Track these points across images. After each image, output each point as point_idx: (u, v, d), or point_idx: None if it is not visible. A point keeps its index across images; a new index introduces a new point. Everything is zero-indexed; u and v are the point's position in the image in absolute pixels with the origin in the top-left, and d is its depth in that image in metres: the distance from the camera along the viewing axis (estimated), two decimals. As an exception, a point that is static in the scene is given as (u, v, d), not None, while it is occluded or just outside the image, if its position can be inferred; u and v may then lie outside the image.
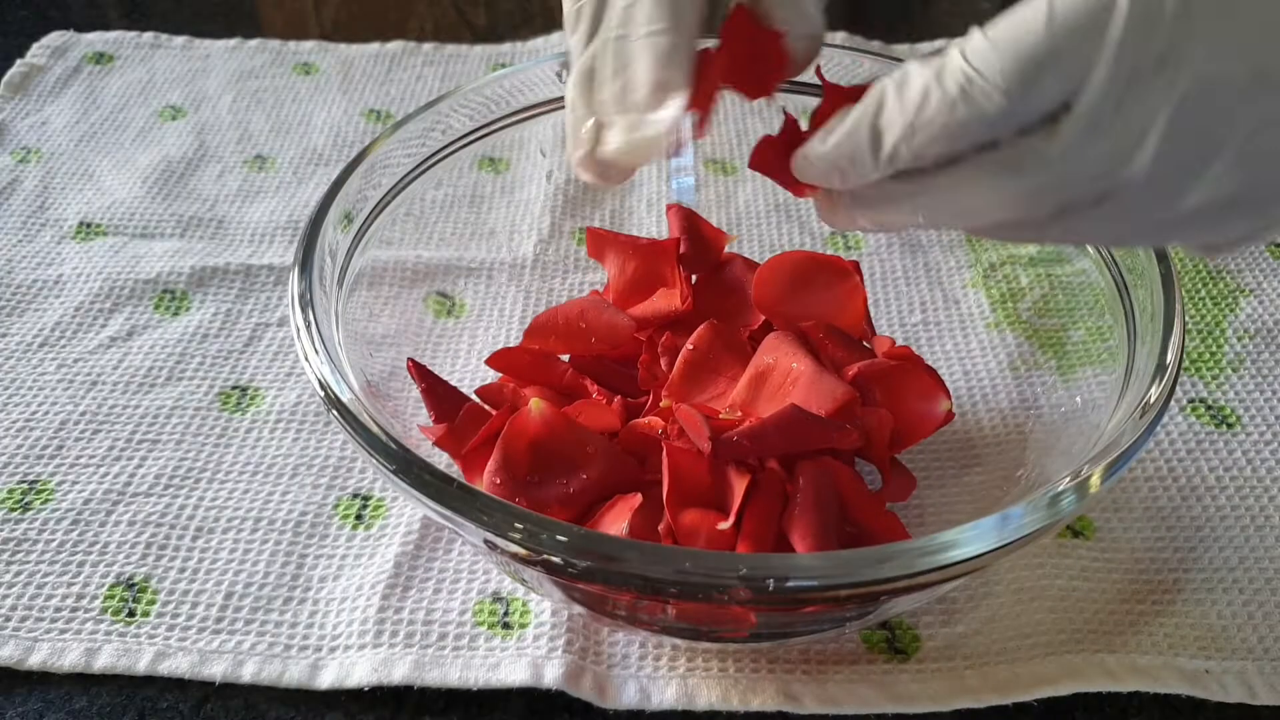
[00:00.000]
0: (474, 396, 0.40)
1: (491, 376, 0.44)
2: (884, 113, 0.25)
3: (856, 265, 0.41)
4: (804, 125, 0.30)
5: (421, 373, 0.39)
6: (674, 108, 0.29)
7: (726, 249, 0.44)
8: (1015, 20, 0.23)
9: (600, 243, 0.44)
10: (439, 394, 0.39)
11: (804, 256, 0.42)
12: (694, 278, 0.43)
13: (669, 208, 0.46)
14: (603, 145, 0.30)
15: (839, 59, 0.44)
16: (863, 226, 0.29)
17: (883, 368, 0.38)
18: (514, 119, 0.45)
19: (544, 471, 0.36)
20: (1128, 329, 0.36)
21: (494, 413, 0.38)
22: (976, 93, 0.24)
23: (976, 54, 0.24)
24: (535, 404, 0.36)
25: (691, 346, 0.39)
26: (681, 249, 0.42)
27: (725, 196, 0.55)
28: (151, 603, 0.38)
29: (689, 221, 0.44)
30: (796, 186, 0.30)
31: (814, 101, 0.31)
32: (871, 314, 0.44)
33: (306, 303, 0.34)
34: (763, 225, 0.54)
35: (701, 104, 0.31)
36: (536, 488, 0.35)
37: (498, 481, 0.35)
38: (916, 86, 0.25)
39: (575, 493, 0.36)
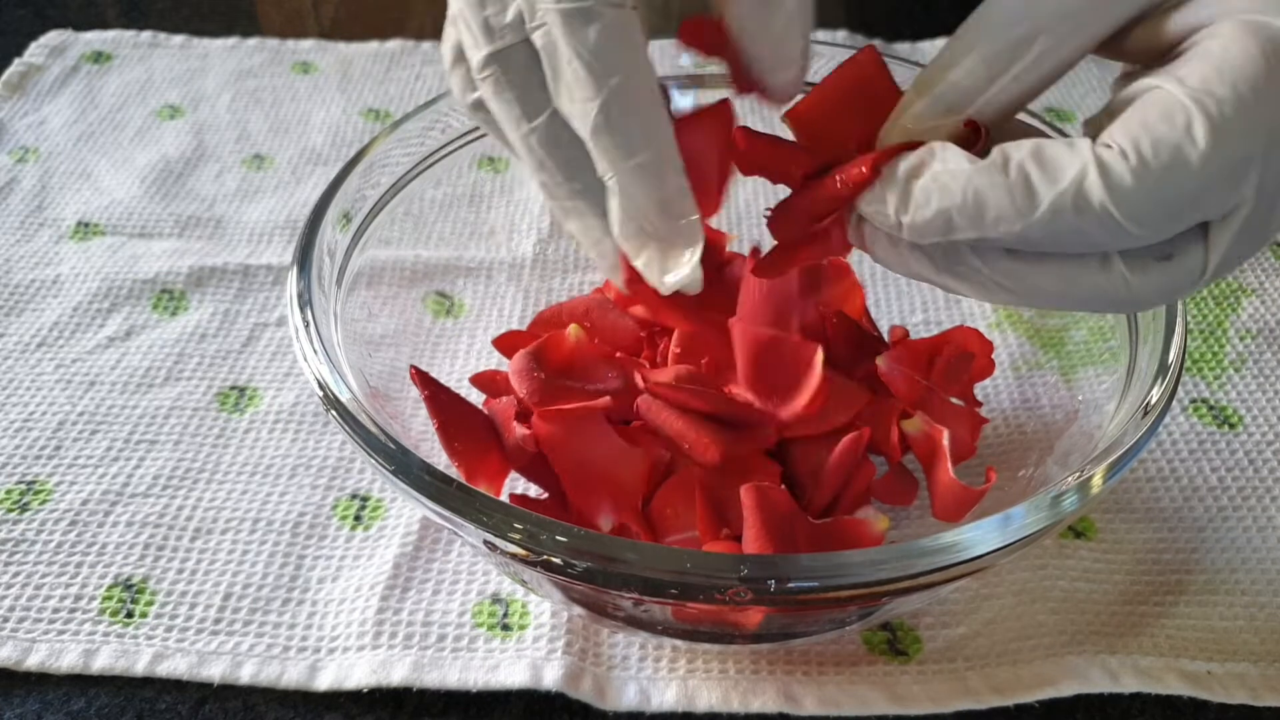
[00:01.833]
0: (470, 385, 0.40)
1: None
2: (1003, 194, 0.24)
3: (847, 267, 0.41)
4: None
5: (424, 380, 0.39)
6: (691, 219, 0.29)
7: (727, 249, 0.44)
8: (1162, 145, 0.22)
9: None
10: (442, 401, 0.39)
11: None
12: None
13: None
14: (656, 282, 0.30)
15: (839, 58, 0.44)
16: (885, 263, 0.28)
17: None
18: (513, 118, 0.45)
19: (568, 379, 0.37)
20: (1129, 329, 0.36)
21: (496, 419, 0.38)
22: (1111, 225, 0.23)
23: (1118, 192, 0.23)
24: (574, 329, 0.38)
25: (678, 349, 0.39)
26: None
27: (725, 196, 0.55)
28: (150, 604, 0.38)
29: None
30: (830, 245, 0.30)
31: None
32: (872, 314, 0.44)
33: (305, 302, 0.34)
34: (763, 225, 0.53)
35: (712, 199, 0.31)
36: (559, 389, 0.36)
37: (529, 369, 0.36)
38: (1044, 198, 0.23)
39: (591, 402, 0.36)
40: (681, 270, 0.29)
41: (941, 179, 0.25)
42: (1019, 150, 0.24)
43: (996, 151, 0.24)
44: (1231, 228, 0.23)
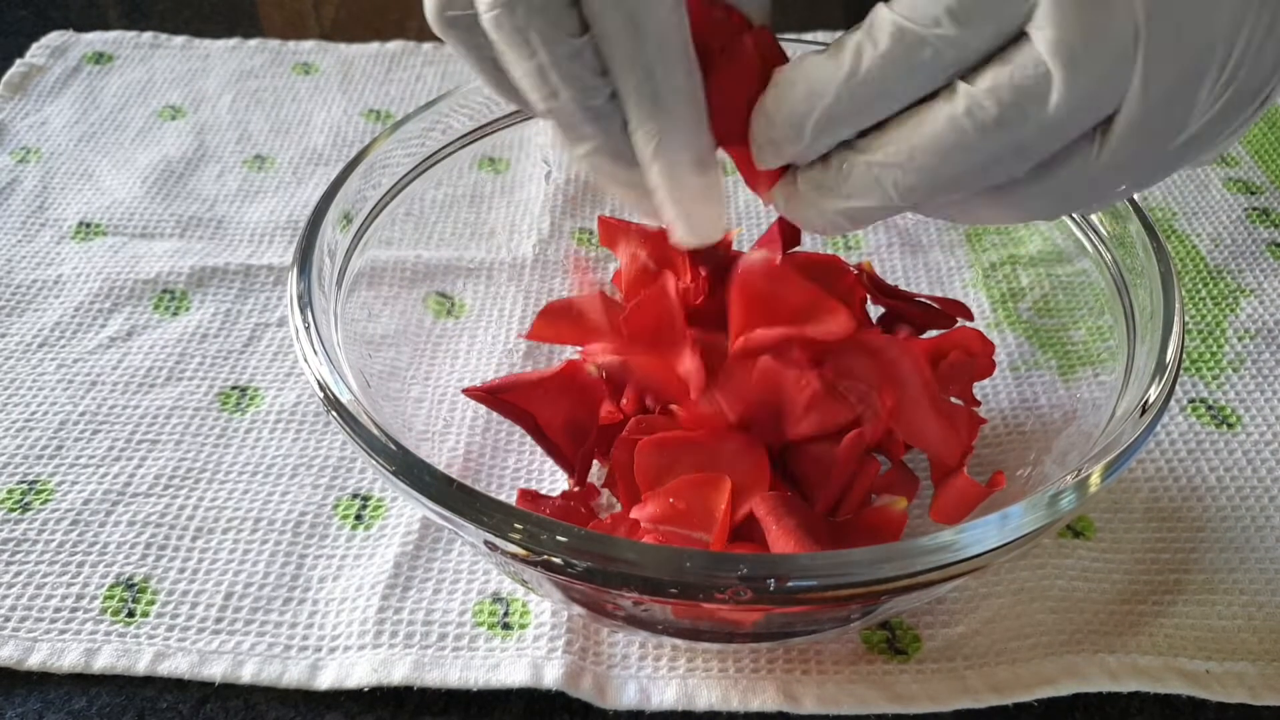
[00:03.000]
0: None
1: (489, 379, 0.44)
2: (817, 72, 0.25)
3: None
4: None
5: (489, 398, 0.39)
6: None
7: (734, 245, 0.45)
8: None
9: (612, 232, 0.44)
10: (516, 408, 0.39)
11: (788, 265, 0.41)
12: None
13: None
14: (673, 235, 0.29)
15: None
16: (832, 219, 0.28)
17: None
18: (514, 119, 0.45)
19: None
20: (1127, 328, 0.36)
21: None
22: (910, 37, 0.23)
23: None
24: (592, 368, 0.38)
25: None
26: None
27: (725, 197, 0.55)
28: (151, 603, 0.38)
29: None
30: (755, 177, 0.29)
31: None
32: (872, 314, 0.44)
33: (305, 303, 0.34)
34: (763, 225, 0.54)
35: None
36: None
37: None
38: (848, 46, 0.24)
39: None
40: (707, 228, 0.29)
41: (787, 75, 0.26)
42: (859, 29, 0.24)
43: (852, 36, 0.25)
44: (1041, 19, 0.22)
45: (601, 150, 0.28)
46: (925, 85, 0.24)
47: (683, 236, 0.29)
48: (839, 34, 0.25)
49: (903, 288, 0.45)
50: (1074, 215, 0.41)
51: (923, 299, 0.42)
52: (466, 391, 0.39)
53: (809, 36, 0.65)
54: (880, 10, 0.24)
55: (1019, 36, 0.23)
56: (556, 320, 0.42)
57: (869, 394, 0.36)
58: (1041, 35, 0.22)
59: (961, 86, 0.24)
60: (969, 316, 0.42)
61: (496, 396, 0.38)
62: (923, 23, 0.23)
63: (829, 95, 0.25)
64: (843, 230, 0.28)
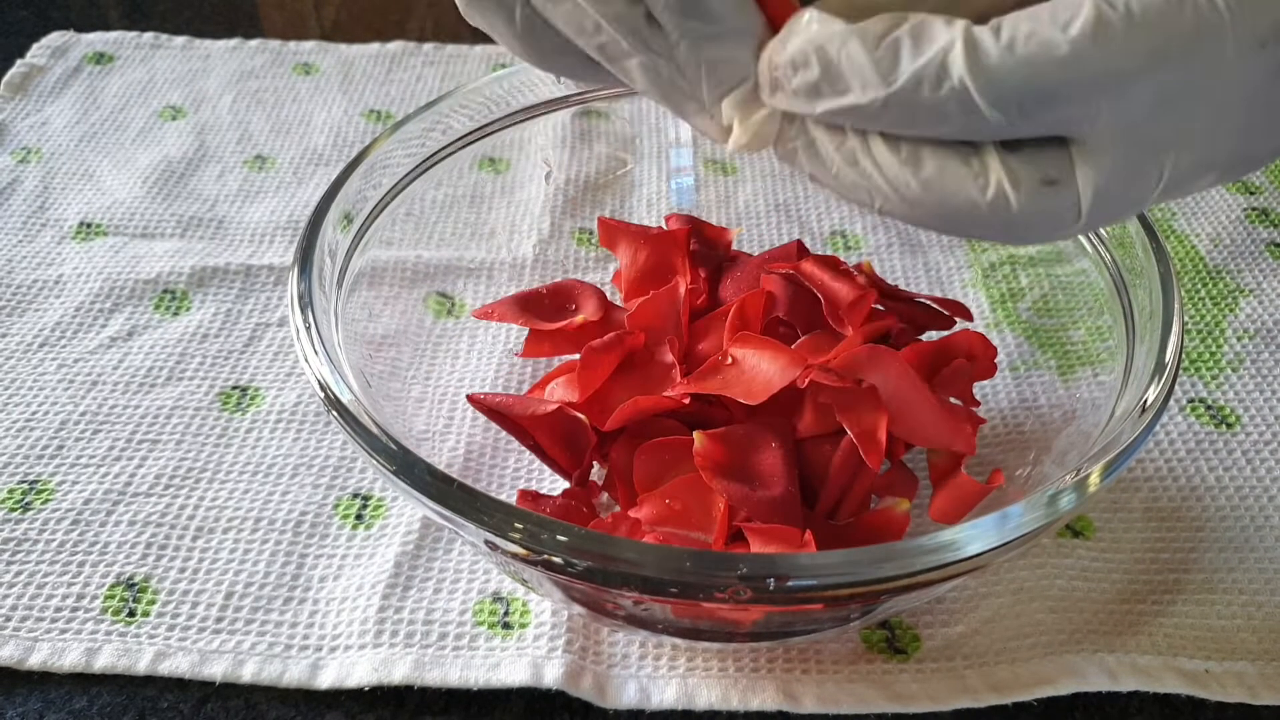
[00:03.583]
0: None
1: (489, 379, 0.45)
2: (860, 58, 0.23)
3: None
4: None
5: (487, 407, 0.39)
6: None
7: (734, 244, 0.45)
8: (1038, 29, 0.22)
9: (612, 232, 0.44)
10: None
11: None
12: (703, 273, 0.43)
13: (668, 218, 0.46)
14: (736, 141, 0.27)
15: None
16: (812, 171, 0.26)
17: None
18: (514, 119, 0.45)
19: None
20: (1127, 328, 0.36)
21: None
22: (966, 103, 0.22)
23: (978, 68, 0.22)
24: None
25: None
26: (692, 245, 0.43)
27: (725, 196, 0.55)
28: (152, 603, 0.38)
29: (691, 226, 0.44)
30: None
31: None
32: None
33: (306, 303, 0.34)
34: (763, 225, 0.54)
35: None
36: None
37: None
38: (907, 67, 0.22)
39: None
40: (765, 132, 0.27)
41: (816, 36, 0.24)
42: (903, 22, 0.23)
43: (880, 20, 0.23)
44: (1098, 158, 0.22)
45: (650, 69, 0.26)
46: (960, 135, 0.23)
47: (738, 142, 0.27)
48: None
49: (902, 288, 0.45)
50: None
51: (922, 299, 0.42)
52: (470, 399, 0.39)
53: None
54: (956, 58, 0.22)
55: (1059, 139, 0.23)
56: (541, 342, 0.42)
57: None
58: (1085, 175, 0.23)
59: (994, 164, 0.23)
60: (969, 317, 0.42)
61: (497, 414, 0.38)
62: (988, 99, 0.22)
63: (865, 94, 0.23)
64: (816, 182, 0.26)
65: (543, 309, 0.43)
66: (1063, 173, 0.23)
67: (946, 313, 0.42)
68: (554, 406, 0.37)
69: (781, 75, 0.25)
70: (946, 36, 0.22)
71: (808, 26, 0.24)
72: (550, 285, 0.44)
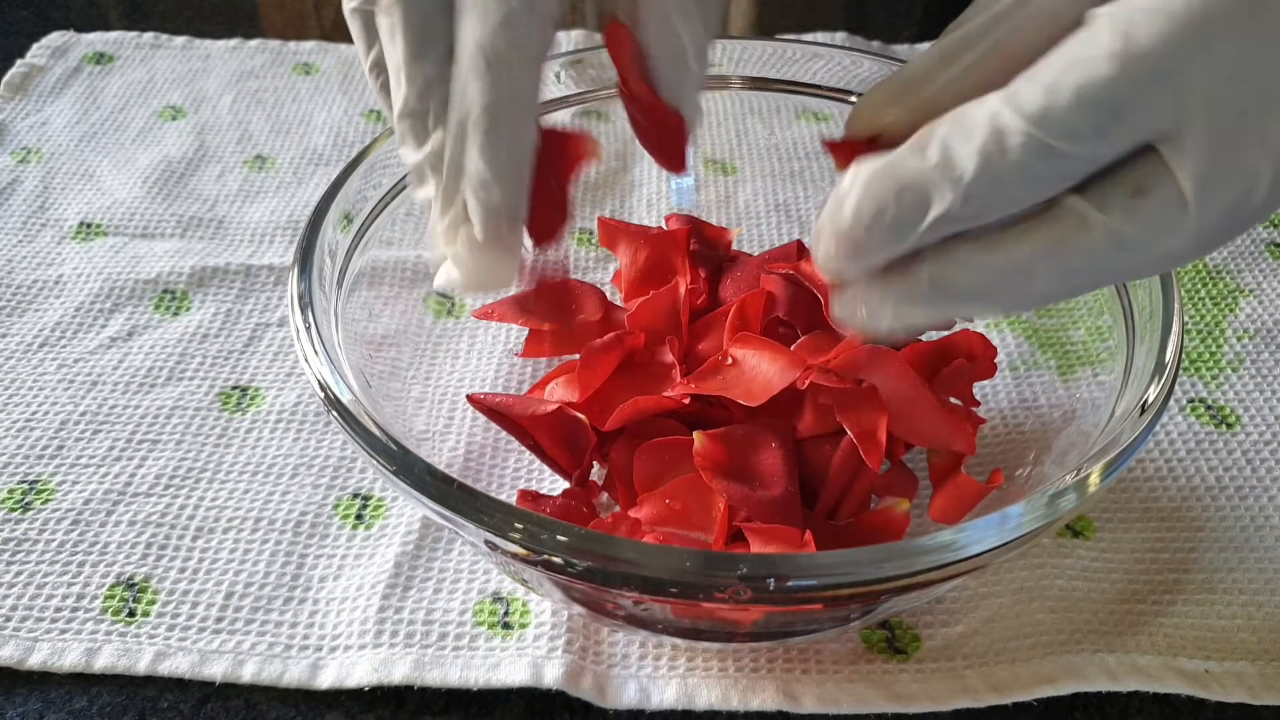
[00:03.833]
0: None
1: (489, 379, 0.45)
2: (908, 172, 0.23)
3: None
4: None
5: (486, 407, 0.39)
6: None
7: (734, 244, 0.45)
8: (1069, 60, 0.21)
9: (612, 232, 0.44)
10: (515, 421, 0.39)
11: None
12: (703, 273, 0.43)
13: (668, 218, 0.46)
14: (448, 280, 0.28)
15: (839, 60, 0.44)
16: (910, 327, 0.26)
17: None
18: (514, 119, 0.45)
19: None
20: (1127, 328, 0.36)
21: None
22: (1041, 149, 0.21)
23: (1033, 114, 0.21)
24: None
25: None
26: (692, 245, 0.43)
27: (725, 196, 0.55)
28: (152, 603, 0.38)
29: (691, 226, 0.44)
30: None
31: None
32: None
33: (306, 303, 0.34)
34: (763, 225, 0.54)
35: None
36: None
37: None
38: (966, 156, 0.22)
39: None
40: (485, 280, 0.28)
41: (863, 175, 0.23)
42: (939, 124, 0.23)
43: (919, 132, 0.23)
44: (1187, 148, 0.22)
45: (425, 162, 0.27)
46: (1052, 185, 0.23)
47: (448, 281, 0.28)
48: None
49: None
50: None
51: None
52: (470, 399, 0.39)
53: (808, 37, 0.65)
54: (1005, 119, 0.22)
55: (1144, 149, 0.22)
56: (541, 342, 0.42)
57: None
58: (1181, 166, 0.22)
59: (1073, 202, 0.23)
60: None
61: (497, 414, 0.38)
62: (1056, 135, 0.21)
63: (944, 201, 0.22)
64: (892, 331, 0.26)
65: (543, 309, 0.43)
66: (1149, 177, 0.22)
67: None
68: (554, 406, 0.37)
69: (857, 236, 0.24)
70: (985, 109, 0.22)
71: (852, 184, 0.24)
72: (550, 285, 0.44)
